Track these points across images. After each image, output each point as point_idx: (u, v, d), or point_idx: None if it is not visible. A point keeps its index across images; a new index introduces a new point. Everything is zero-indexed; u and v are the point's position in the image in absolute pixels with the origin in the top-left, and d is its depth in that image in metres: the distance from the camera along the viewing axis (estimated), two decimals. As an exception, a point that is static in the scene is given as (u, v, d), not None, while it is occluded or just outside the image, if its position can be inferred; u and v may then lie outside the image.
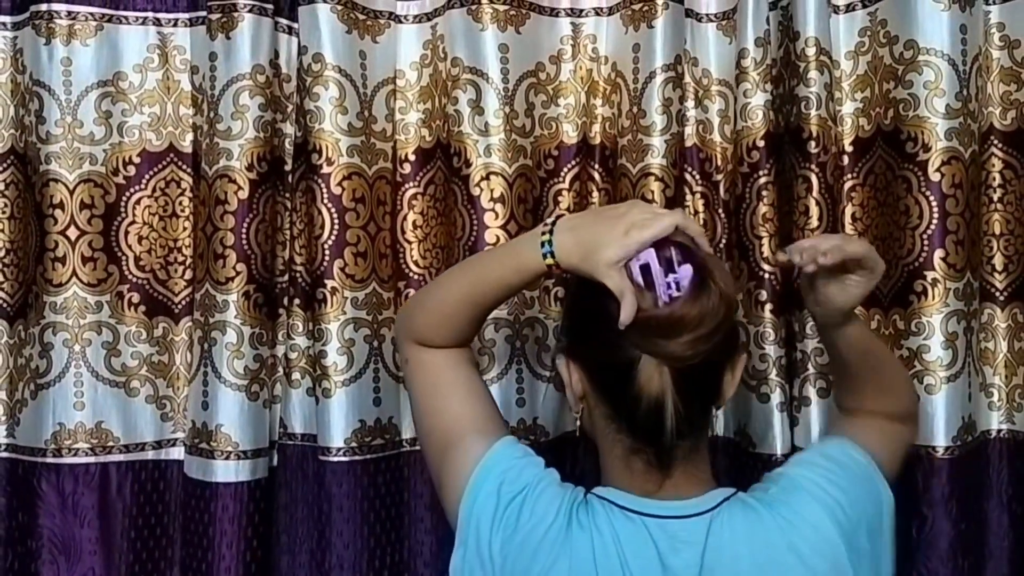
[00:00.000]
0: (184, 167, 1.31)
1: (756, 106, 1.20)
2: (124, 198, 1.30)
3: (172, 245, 1.32)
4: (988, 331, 1.21)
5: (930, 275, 1.12)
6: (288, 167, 1.28)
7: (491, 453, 0.85)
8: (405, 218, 1.28)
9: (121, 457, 1.30)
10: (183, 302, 1.32)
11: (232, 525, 1.22)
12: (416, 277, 1.27)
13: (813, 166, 1.17)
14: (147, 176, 1.31)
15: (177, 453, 1.31)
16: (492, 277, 0.88)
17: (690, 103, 1.24)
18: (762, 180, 1.19)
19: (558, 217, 0.85)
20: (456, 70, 1.24)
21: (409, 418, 1.24)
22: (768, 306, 1.17)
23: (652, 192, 1.20)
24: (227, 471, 1.22)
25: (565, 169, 1.27)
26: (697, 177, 1.24)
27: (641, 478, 0.83)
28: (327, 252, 1.22)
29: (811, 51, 1.16)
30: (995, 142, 1.19)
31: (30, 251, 1.30)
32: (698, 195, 1.24)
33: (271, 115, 1.24)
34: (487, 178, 1.23)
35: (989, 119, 1.19)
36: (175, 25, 1.31)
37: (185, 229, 1.32)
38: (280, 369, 1.29)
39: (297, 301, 1.27)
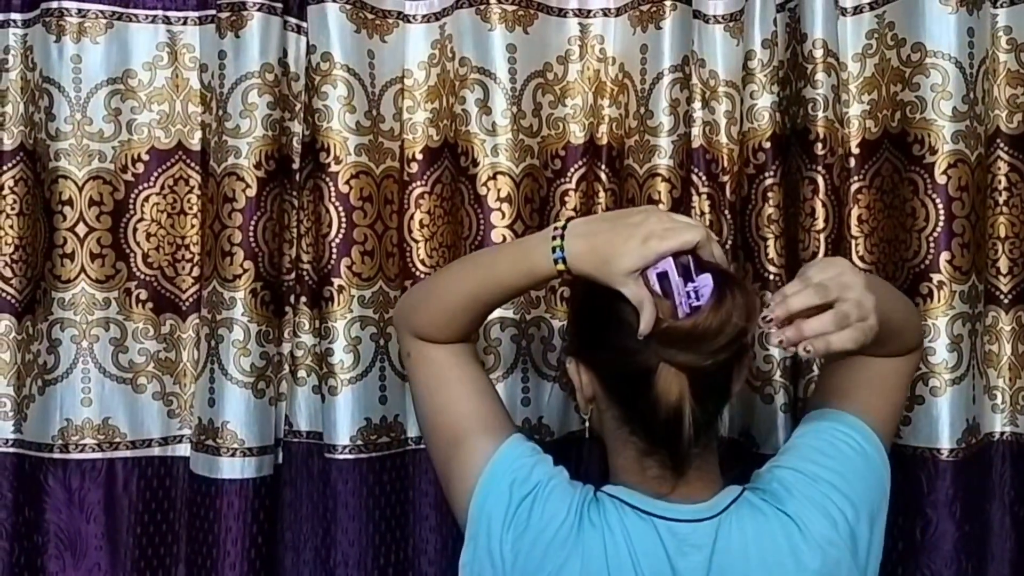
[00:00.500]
0: (193, 165, 1.32)
1: (763, 108, 1.20)
2: (133, 195, 1.31)
3: (180, 242, 1.32)
4: (992, 334, 1.21)
5: (936, 278, 1.12)
6: (296, 165, 1.29)
7: (501, 452, 0.85)
8: (412, 217, 1.28)
9: (127, 453, 1.31)
10: (190, 299, 1.32)
11: (237, 522, 1.22)
12: (423, 276, 1.27)
13: (819, 168, 1.17)
14: (156, 173, 1.31)
15: (183, 450, 1.32)
16: (500, 278, 0.87)
17: (697, 104, 1.24)
18: (768, 181, 1.20)
19: (568, 220, 0.83)
20: (464, 70, 1.25)
21: (414, 416, 1.24)
22: (773, 307, 1.17)
23: (659, 193, 1.20)
24: (233, 468, 1.22)
25: (572, 169, 1.27)
26: (703, 178, 1.24)
27: (655, 480, 0.83)
28: (334, 250, 1.23)
29: (818, 53, 1.16)
30: (1001, 145, 1.19)
31: (39, 247, 1.31)
32: (704, 196, 1.24)
33: (279, 113, 1.25)
34: (494, 177, 1.24)
35: (995, 122, 1.19)
36: (184, 23, 1.31)
37: (193, 226, 1.32)
38: (286, 367, 1.29)
39: (304, 299, 1.28)
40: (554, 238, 0.81)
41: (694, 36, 1.24)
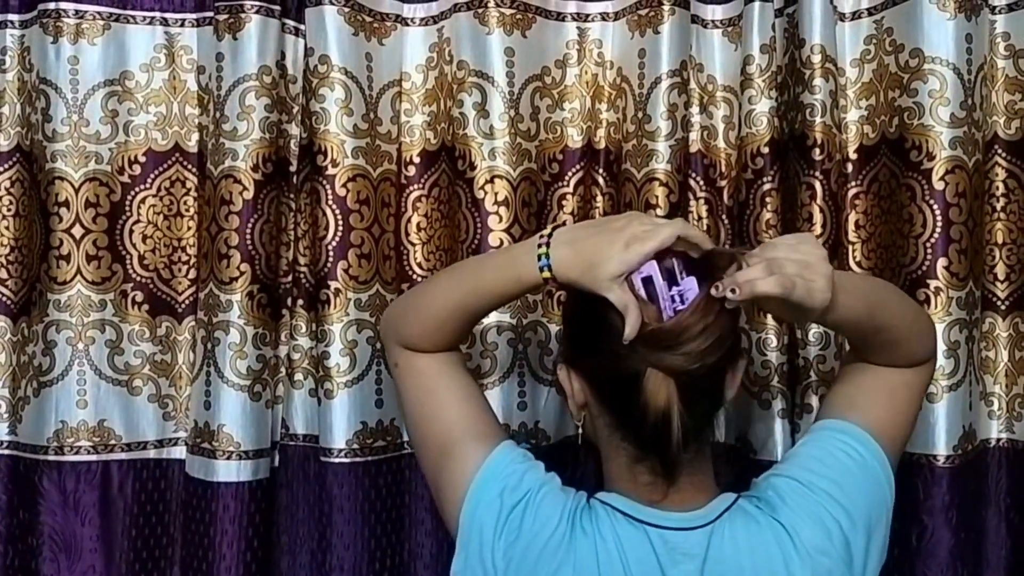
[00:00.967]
0: (189, 167, 1.32)
1: (761, 112, 1.20)
2: (129, 197, 1.31)
3: (176, 244, 1.32)
4: (989, 340, 1.21)
5: (933, 284, 1.12)
6: (293, 168, 1.29)
7: (491, 459, 0.85)
8: (409, 220, 1.28)
9: (123, 456, 1.30)
10: (187, 302, 1.32)
11: (233, 525, 1.22)
12: (419, 279, 1.27)
13: (817, 173, 1.17)
14: (152, 175, 1.31)
15: (179, 452, 1.31)
16: (487, 287, 0.87)
17: (695, 109, 1.24)
18: (766, 186, 1.19)
19: (554, 228, 0.83)
20: (462, 73, 1.24)
21: (407, 423, 1.24)
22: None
23: (656, 197, 1.20)
24: (228, 471, 1.22)
25: (569, 173, 1.27)
26: (701, 183, 1.24)
27: (646, 487, 0.83)
28: (331, 253, 1.22)
29: (816, 58, 1.16)
30: (999, 151, 1.19)
31: (35, 249, 1.30)
32: (702, 201, 1.24)
33: (277, 116, 1.25)
34: (491, 181, 1.23)
35: (993, 128, 1.19)
36: (182, 25, 1.31)
37: (190, 229, 1.32)
38: (283, 370, 1.29)
39: (300, 302, 1.28)
40: (539, 246, 0.82)
41: (692, 41, 1.24)
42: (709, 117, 1.25)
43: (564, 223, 1.19)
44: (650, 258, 0.78)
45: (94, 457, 1.29)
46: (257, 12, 1.22)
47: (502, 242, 1.23)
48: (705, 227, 1.23)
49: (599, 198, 1.27)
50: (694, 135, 1.24)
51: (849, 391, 0.93)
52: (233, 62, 1.22)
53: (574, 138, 1.28)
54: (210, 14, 1.27)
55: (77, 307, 1.29)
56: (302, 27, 1.26)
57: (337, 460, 1.22)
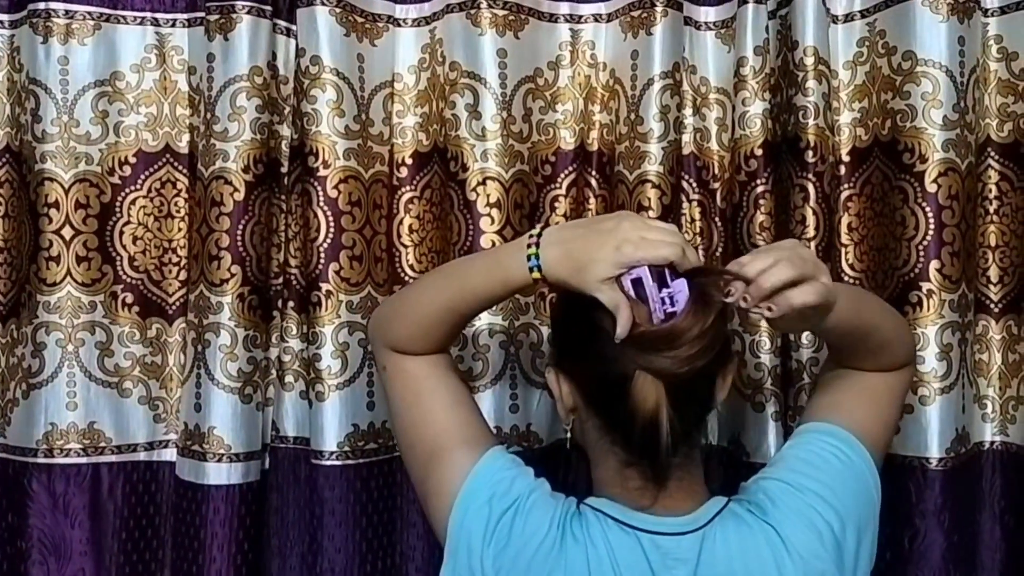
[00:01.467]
0: (180, 168, 1.31)
1: (754, 115, 1.19)
2: (119, 198, 1.30)
3: (167, 246, 1.31)
4: (982, 343, 1.21)
5: (925, 286, 1.12)
6: (284, 169, 1.28)
7: (479, 465, 0.85)
8: (401, 222, 1.28)
9: (113, 458, 1.29)
10: (177, 303, 1.31)
11: (223, 528, 1.21)
12: (411, 281, 1.27)
13: (810, 175, 1.17)
14: (143, 176, 1.30)
15: (169, 455, 1.31)
16: (474, 289, 0.86)
17: (688, 111, 1.24)
18: (759, 189, 1.19)
19: (543, 229, 0.83)
20: (454, 74, 1.24)
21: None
22: (763, 315, 1.17)
23: (649, 199, 1.19)
24: (219, 473, 1.21)
25: (562, 175, 1.27)
26: (694, 185, 1.24)
27: (636, 492, 0.82)
28: (322, 255, 1.22)
29: (809, 60, 1.16)
30: (992, 154, 1.19)
31: (24, 250, 1.30)
32: (695, 203, 1.24)
33: (268, 117, 1.24)
34: (483, 183, 1.23)
35: (986, 131, 1.19)
36: (173, 25, 1.30)
37: (180, 230, 1.31)
38: (273, 372, 1.29)
39: (292, 304, 1.27)
40: (529, 246, 0.81)
41: (685, 42, 1.23)
42: (702, 119, 1.25)
43: (557, 224, 1.19)
44: (641, 264, 0.77)
45: (84, 460, 1.28)
46: (248, 12, 1.21)
47: (494, 244, 1.22)
48: (698, 229, 1.23)
49: (592, 200, 1.26)
50: (687, 137, 1.24)
51: (832, 396, 0.93)
52: (224, 63, 1.22)
53: (567, 140, 1.27)
54: (201, 14, 1.26)
55: (67, 309, 1.28)
56: (293, 28, 1.25)
57: (328, 463, 1.22)
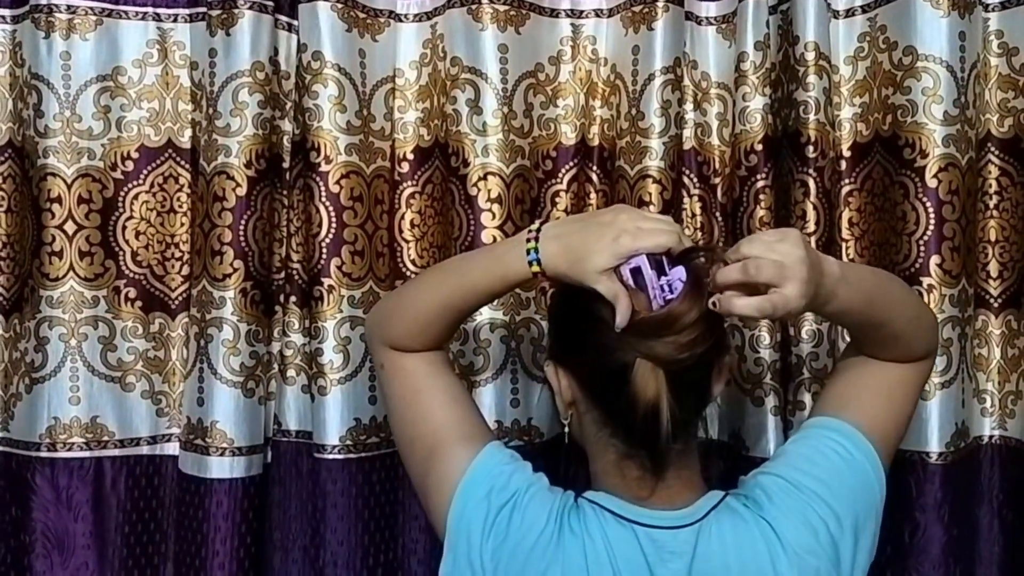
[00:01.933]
0: (182, 163, 1.31)
1: (755, 110, 1.20)
2: (122, 193, 1.30)
3: (169, 241, 1.32)
4: (982, 337, 1.21)
5: (926, 281, 1.13)
6: (286, 165, 1.28)
7: (478, 460, 0.85)
8: (403, 217, 1.28)
9: (116, 452, 1.30)
10: (180, 298, 1.32)
11: (226, 521, 1.22)
12: (413, 276, 1.27)
13: (811, 170, 1.17)
14: (145, 172, 1.31)
15: (172, 448, 1.31)
16: (474, 284, 0.87)
17: (689, 106, 1.24)
18: (760, 184, 1.19)
19: (542, 224, 0.84)
20: (455, 70, 1.24)
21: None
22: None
23: (650, 194, 1.20)
24: (222, 467, 1.22)
25: (563, 170, 1.27)
26: (695, 180, 1.24)
27: (634, 483, 0.83)
28: (324, 250, 1.22)
29: (810, 55, 1.16)
30: (992, 149, 1.19)
31: (27, 245, 1.30)
32: (696, 198, 1.24)
33: (270, 112, 1.24)
34: (484, 178, 1.23)
35: (986, 126, 1.19)
36: (175, 21, 1.30)
37: (183, 225, 1.32)
38: (276, 366, 1.29)
39: (294, 299, 1.27)
40: (528, 241, 0.82)
41: (686, 38, 1.23)
42: (703, 114, 1.25)
43: (557, 219, 1.19)
44: (639, 253, 0.78)
45: (87, 453, 1.29)
46: (250, 8, 1.21)
47: (495, 239, 1.23)
48: (699, 224, 1.24)
49: (593, 195, 1.27)
50: (688, 132, 1.24)
51: (844, 388, 0.92)
52: (226, 58, 1.22)
53: (568, 135, 1.27)
54: (203, 9, 1.26)
55: (70, 303, 1.29)
56: (295, 23, 1.26)
57: (330, 456, 1.22)
